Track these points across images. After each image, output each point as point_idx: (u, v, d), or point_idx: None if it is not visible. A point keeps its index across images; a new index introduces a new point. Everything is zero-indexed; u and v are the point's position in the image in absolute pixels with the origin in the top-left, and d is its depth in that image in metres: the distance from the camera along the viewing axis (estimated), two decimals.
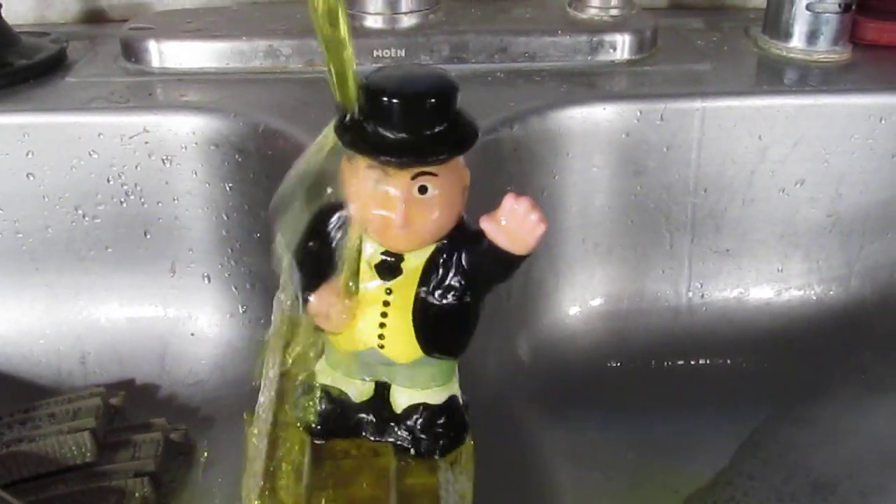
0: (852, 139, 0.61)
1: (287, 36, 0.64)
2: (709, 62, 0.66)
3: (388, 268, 0.32)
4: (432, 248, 0.32)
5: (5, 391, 0.59)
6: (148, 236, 0.60)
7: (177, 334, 0.62)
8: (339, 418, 0.35)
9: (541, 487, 0.53)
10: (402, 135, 0.30)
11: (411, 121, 0.30)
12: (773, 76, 0.65)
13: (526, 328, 0.62)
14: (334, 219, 0.32)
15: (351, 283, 0.33)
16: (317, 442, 0.35)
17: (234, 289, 0.61)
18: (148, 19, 0.69)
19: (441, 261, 0.32)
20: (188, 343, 0.62)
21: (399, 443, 0.35)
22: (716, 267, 0.64)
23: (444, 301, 0.32)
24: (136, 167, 0.58)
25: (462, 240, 0.32)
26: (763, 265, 0.65)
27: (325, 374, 0.35)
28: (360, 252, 0.32)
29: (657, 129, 0.60)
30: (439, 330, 0.33)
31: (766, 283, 0.65)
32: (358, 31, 0.65)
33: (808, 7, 0.65)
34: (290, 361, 0.38)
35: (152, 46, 0.64)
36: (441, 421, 0.34)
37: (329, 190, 0.33)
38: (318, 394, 0.35)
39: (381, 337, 0.33)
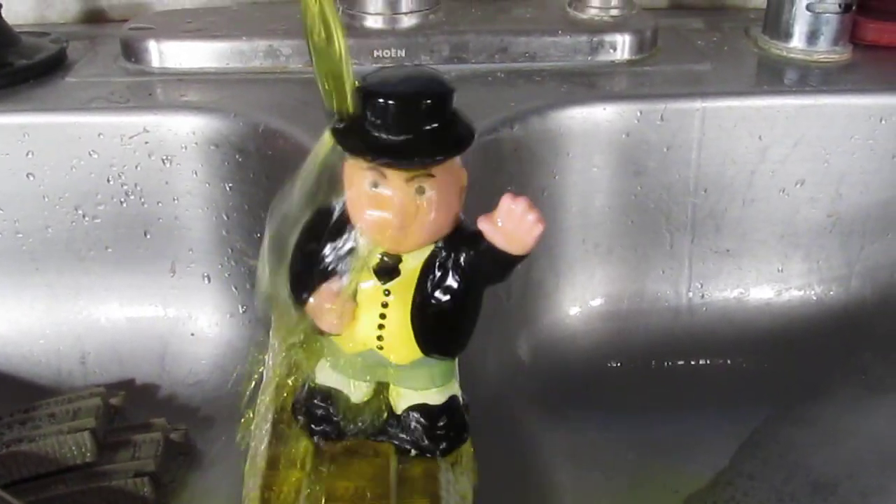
0: (852, 139, 0.61)
1: (287, 36, 0.64)
2: (709, 62, 0.66)
3: (387, 269, 0.32)
4: (430, 248, 0.32)
5: (5, 391, 0.59)
6: (148, 236, 0.60)
7: (177, 334, 0.62)
8: (339, 419, 0.35)
9: (541, 487, 0.53)
10: (399, 136, 0.30)
11: (407, 122, 0.30)
12: (773, 76, 0.65)
13: (526, 328, 0.62)
14: (332, 220, 0.32)
15: (349, 285, 0.32)
16: (317, 442, 0.35)
17: (234, 289, 0.61)
18: (148, 19, 0.69)
19: (439, 262, 0.32)
20: (188, 343, 0.62)
21: (399, 443, 0.35)
22: (716, 267, 0.64)
23: (443, 302, 0.32)
24: (136, 167, 0.58)
25: (460, 240, 0.32)
26: (763, 265, 0.65)
27: (326, 375, 0.35)
28: (358, 253, 0.32)
29: (657, 129, 0.60)
30: (438, 330, 0.33)
31: (766, 283, 0.65)
32: (358, 31, 0.65)
33: (808, 7, 0.65)
34: (291, 362, 0.38)
35: (152, 46, 0.64)
36: (441, 422, 0.34)
37: (328, 191, 0.33)
38: (319, 394, 0.35)
39: (379, 338, 0.33)
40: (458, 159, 0.31)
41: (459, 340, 0.33)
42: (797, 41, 0.66)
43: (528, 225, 0.30)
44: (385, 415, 0.35)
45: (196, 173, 0.59)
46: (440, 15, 0.67)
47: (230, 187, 0.59)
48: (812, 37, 0.66)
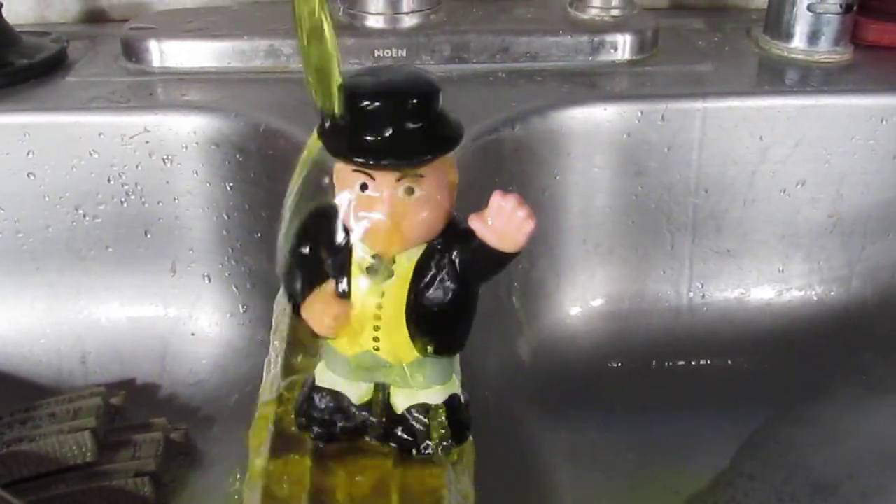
0: (853, 140, 0.61)
1: (288, 35, 0.64)
2: (710, 63, 0.66)
3: (380, 270, 0.32)
4: (423, 248, 0.32)
5: (6, 391, 0.59)
6: (148, 236, 0.60)
7: (177, 334, 0.62)
8: (339, 420, 0.35)
9: (541, 487, 0.53)
10: (385, 137, 0.29)
11: (393, 122, 0.29)
12: (774, 77, 0.65)
13: (527, 328, 0.62)
14: (325, 222, 0.32)
15: (343, 287, 0.32)
16: (318, 444, 0.35)
17: (234, 288, 0.61)
18: (148, 19, 0.69)
19: (432, 261, 0.32)
20: (189, 343, 0.62)
21: (400, 443, 0.35)
22: (717, 267, 0.64)
23: (437, 300, 0.32)
24: (137, 167, 0.58)
25: (453, 239, 0.32)
26: (764, 266, 0.65)
27: (325, 377, 0.35)
28: (351, 255, 0.32)
29: (658, 129, 0.60)
30: (434, 330, 0.33)
31: (767, 283, 0.65)
32: (359, 31, 0.65)
33: (809, 8, 0.65)
34: (292, 362, 0.38)
35: (153, 46, 0.64)
36: (442, 420, 0.34)
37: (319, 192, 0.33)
38: (319, 396, 0.35)
39: (375, 339, 0.33)
40: (448, 157, 0.31)
41: (456, 339, 0.33)
42: (798, 41, 0.66)
43: (518, 222, 0.30)
44: (385, 415, 0.35)
45: (197, 173, 0.59)
46: (441, 15, 0.67)
47: (231, 187, 0.59)
48: (813, 37, 0.66)
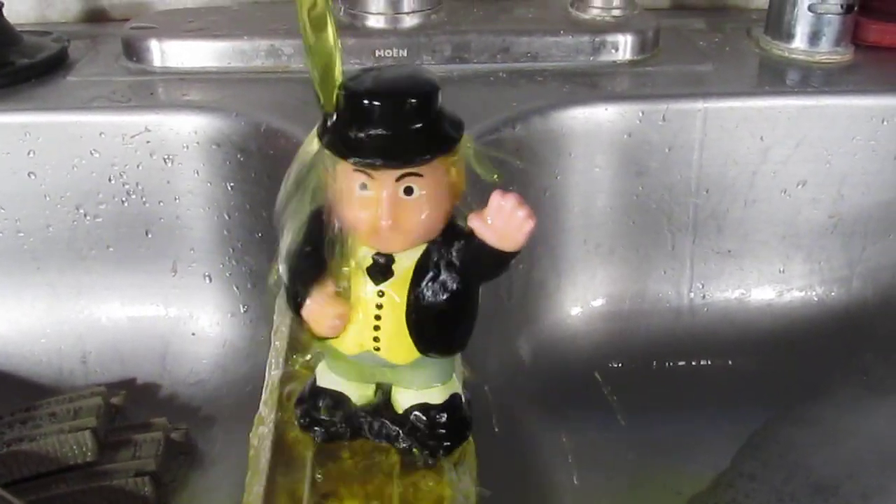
0: (854, 140, 0.61)
1: (289, 35, 0.64)
2: (711, 63, 0.66)
3: (380, 270, 0.32)
4: (423, 248, 0.32)
5: (6, 390, 0.59)
6: (149, 236, 0.60)
7: (178, 334, 0.62)
8: (341, 421, 0.35)
9: (541, 487, 0.53)
10: (384, 137, 0.29)
11: (392, 122, 0.29)
12: (775, 77, 0.65)
13: (527, 328, 0.62)
14: (325, 223, 0.32)
15: (343, 287, 0.32)
16: (319, 444, 0.35)
17: (235, 288, 0.61)
18: (149, 18, 0.69)
19: (432, 260, 0.32)
20: (189, 342, 0.62)
21: (402, 443, 0.35)
22: (717, 268, 0.64)
23: (437, 300, 0.32)
24: (138, 166, 0.58)
25: (452, 239, 0.32)
26: (765, 266, 0.65)
27: (326, 377, 0.35)
28: (350, 255, 0.32)
29: (659, 129, 0.60)
30: (434, 329, 0.33)
31: (767, 283, 0.65)
32: (360, 31, 0.65)
33: (810, 8, 0.65)
34: (293, 363, 0.38)
35: (154, 46, 0.64)
36: (443, 420, 0.34)
37: (318, 193, 0.32)
38: (320, 396, 0.35)
39: (376, 339, 0.33)
40: (451, 158, 0.31)
41: (456, 338, 0.33)
42: (799, 42, 0.66)
43: (518, 221, 0.30)
44: (387, 415, 0.35)
45: (197, 173, 0.59)
46: (442, 15, 0.67)
47: (232, 187, 0.59)
48: (814, 38, 0.66)
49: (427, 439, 0.34)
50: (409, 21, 0.65)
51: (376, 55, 0.63)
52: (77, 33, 0.71)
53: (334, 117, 0.30)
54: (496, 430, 0.47)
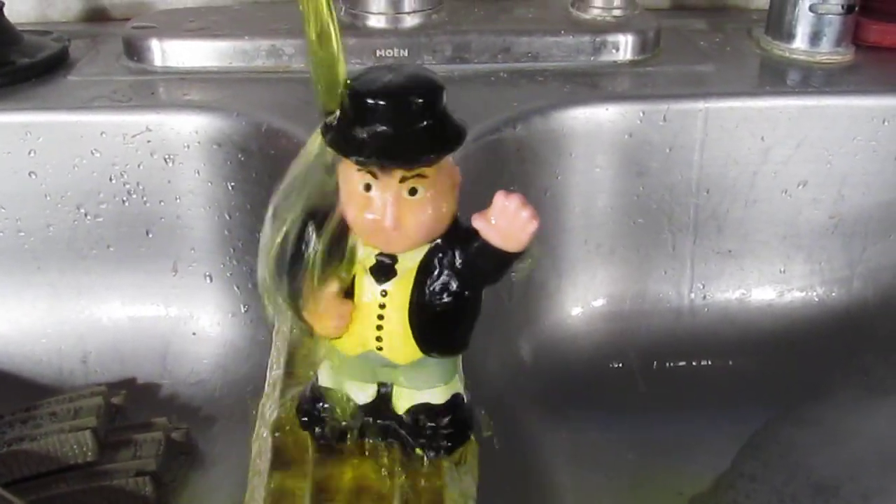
0: (855, 141, 0.61)
1: (289, 35, 0.64)
2: (711, 63, 0.66)
3: (383, 270, 0.32)
4: (426, 248, 0.32)
5: (7, 390, 0.59)
6: (150, 235, 0.60)
7: (178, 333, 0.62)
8: (342, 420, 0.35)
9: (542, 488, 0.53)
10: (389, 136, 0.29)
11: (397, 122, 0.29)
12: (775, 77, 0.65)
13: (528, 329, 0.62)
14: (327, 222, 0.32)
15: (346, 288, 0.32)
16: (320, 444, 0.35)
17: (235, 288, 0.61)
18: (150, 18, 0.69)
19: (435, 261, 0.32)
20: (190, 342, 0.62)
21: (403, 443, 0.35)
22: (718, 268, 0.64)
23: (440, 301, 0.32)
24: (139, 166, 0.58)
25: (456, 239, 0.32)
26: (765, 266, 0.65)
27: (328, 377, 0.35)
28: (354, 255, 0.32)
29: (660, 129, 0.60)
30: (437, 329, 0.33)
31: (768, 284, 0.65)
32: (361, 31, 0.65)
33: (811, 8, 0.65)
34: (295, 362, 0.38)
35: (155, 45, 0.64)
36: (444, 420, 0.34)
37: (319, 192, 0.32)
38: (322, 396, 0.35)
39: (378, 339, 0.33)
40: (450, 157, 0.31)
41: (459, 339, 0.33)
42: (800, 42, 0.66)
43: (521, 222, 0.30)
44: (388, 415, 0.35)
45: (198, 172, 0.59)
46: (443, 15, 0.67)
47: (232, 186, 0.59)
48: (815, 38, 0.66)
49: (428, 439, 0.34)
50: (410, 21, 0.65)
51: (377, 55, 0.63)
52: (78, 33, 0.71)
53: (339, 116, 0.30)
54: (497, 430, 0.47)
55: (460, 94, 0.60)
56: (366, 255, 0.32)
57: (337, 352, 0.34)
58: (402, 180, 0.30)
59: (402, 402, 0.35)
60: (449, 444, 0.34)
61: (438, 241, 0.32)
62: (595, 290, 0.64)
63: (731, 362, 0.63)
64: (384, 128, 0.29)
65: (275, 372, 0.39)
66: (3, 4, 0.63)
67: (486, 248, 0.31)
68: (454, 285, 0.32)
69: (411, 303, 0.32)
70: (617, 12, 0.67)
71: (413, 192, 0.30)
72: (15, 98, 0.60)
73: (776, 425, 0.55)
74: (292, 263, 0.33)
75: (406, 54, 0.63)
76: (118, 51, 0.66)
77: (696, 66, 0.65)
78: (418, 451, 0.35)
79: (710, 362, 0.63)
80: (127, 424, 0.55)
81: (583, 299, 0.64)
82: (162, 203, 0.60)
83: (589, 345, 0.63)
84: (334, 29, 0.30)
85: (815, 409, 0.56)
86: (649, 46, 0.66)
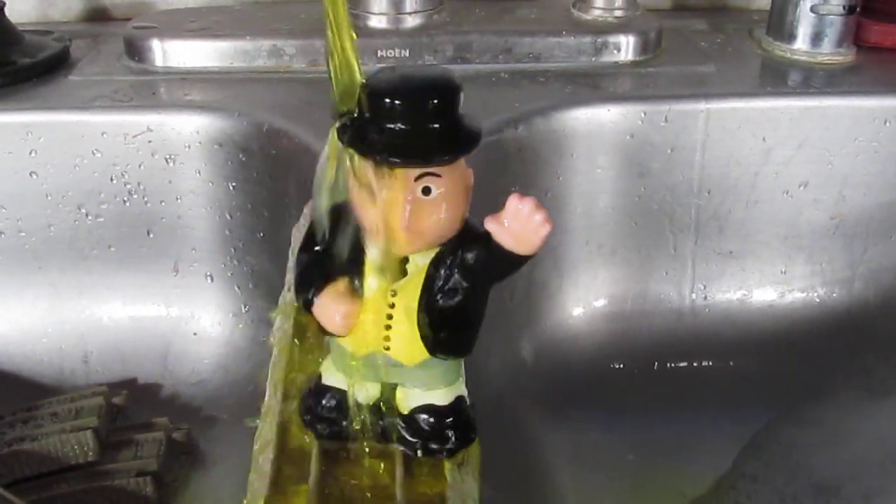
0: (856, 141, 0.61)
1: (291, 35, 0.64)
2: (713, 64, 0.66)
3: (393, 270, 0.32)
4: (437, 249, 0.32)
5: (8, 390, 0.59)
6: (151, 235, 0.60)
7: (179, 334, 0.62)
8: (345, 420, 0.35)
9: (543, 488, 0.53)
10: (405, 135, 0.29)
11: (414, 121, 0.29)
12: (777, 78, 0.65)
13: (529, 329, 0.62)
14: (339, 220, 0.32)
15: (356, 286, 0.32)
16: (323, 443, 0.35)
17: (236, 288, 0.61)
18: (151, 18, 0.69)
19: (446, 262, 0.32)
20: (191, 342, 0.62)
21: (406, 444, 0.35)
22: (719, 269, 0.64)
23: (450, 302, 0.32)
24: (140, 166, 0.58)
25: (467, 241, 0.32)
26: (766, 267, 0.65)
27: (332, 376, 0.35)
28: (364, 254, 0.32)
29: (661, 130, 0.60)
30: (445, 331, 0.33)
31: (769, 284, 0.65)
32: (362, 31, 0.65)
33: (812, 9, 0.65)
34: (297, 362, 0.38)
35: (156, 45, 0.64)
36: (448, 422, 0.34)
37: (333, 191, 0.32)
38: (325, 395, 0.35)
39: (386, 339, 0.33)
40: (463, 159, 0.31)
41: (467, 340, 0.33)
42: (801, 43, 0.66)
43: (535, 225, 0.30)
44: (392, 415, 0.35)
45: (199, 172, 0.59)
46: (444, 15, 0.67)
47: (233, 187, 0.59)
48: (816, 38, 0.66)
49: (432, 440, 0.34)
50: (411, 21, 0.65)
51: (378, 55, 0.63)
52: (79, 33, 0.71)
53: (355, 115, 0.30)
54: (499, 430, 0.47)
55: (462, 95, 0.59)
56: (376, 255, 0.32)
57: (342, 351, 0.34)
58: (417, 179, 0.30)
59: (407, 402, 0.35)
60: (452, 445, 0.34)
61: (449, 242, 0.32)
62: (596, 291, 0.64)
63: (732, 363, 0.63)
64: (401, 127, 0.29)
65: (276, 372, 0.39)
66: (4, 4, 0.63)
67: (498, 250, 0.30)
68: (464, 287, 0.32)
69: (420, 303, 0.32)
70: (618, 13, 0.67)
71: (427, 191, 0.30)
72: (16, 98, 0.60)
73: (777, 426, 0.55)
74: (304, 261, 0.33)
75: (407, 55, 0.63)
76: (119, 51, 0.66)
77: (697, 66, 0.65)
78: (421, 451, 0.35)
79: (711, 363, 0.63)
80: (128, 424, 0.55)
81: (584, 300, 0.64)
82: (163, 203, 0.60)
83: (590, 345, 0.63)
84: (347, 25, 0.30)
85: (816, 409, 0.56)
86: (651, 47, 0.66)
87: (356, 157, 0.30)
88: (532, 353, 0.61)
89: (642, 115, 0.59)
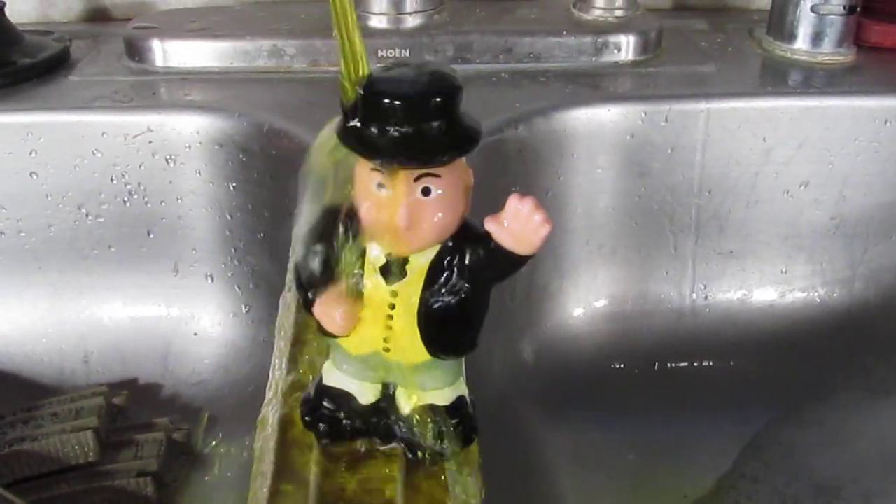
0: (856, 141, 0.61)
1: (291, 36, 0.64)
2: (713, 63, 0.66)
3: (393, 270, 0.32)
4: (437, 249, 0.32)
5: (8, 390, 0.59)
6: (151, 236, 0.60)
7: (180, 334, 0.62)
8: (345, 420, 0.35)
9: (544, 488, 0.53)
10: (404, 136, 0.29)
11: (413, 121, 0.29)
12: (777, 78, 0.65)
13: (530, 329, 0.62)
14: (340, 220, 0.32)
15: (356, 286, 0.32)
16: (324, 444, 0.35)
17: (237, 288, 0.61)
18: (151, 18, 0.69)
19: (446, 262, 0.32)
20: (191, 343, 0.62)
21: (407, 445, 0.35)
22: (719, 269, 0.64)
23: (450, 302, 0.32)
24: (140, 166, 0.58)
25: (467, 241, 0.32)
26: (767, 267, 0.65)
27: (332, 376, 0.35)
28: (364, 254, 0.32)
29: (662, 130, 0.60)
30: (445, 331, 0.33)
31: (769, 284, 0.65)
32: (362, 31, 0.65)
33: (812, 9, 0.65)
34: (297, 362, 0.38)
35: (156, 45, 0.64)
36: (449, 422, 0.34)
37: (334, 190, 0.32)
38: (325, 395, 0.35)
39: (386, 339, 0.33)
40: (463, 158, 0.31)
41: (467, 340, 0.33)
42: (801, 43, 0.66)
43: (534, 225, 0.30)
44: (392, 416, 0.35)
45: (200, 173, 0.59)
46: (444, 15, 0.67)
47: (234, 187, 0.59)
48: (816, 38, 0.66)
49: (432, 441, 0.34)
50: (412, 21, 0.65)
51: (378, 55, 0.63)
52: (79, 33, 0.71)
53: (354, 115, 0.30)
54: (499, 430, 0.47)
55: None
56: (376, 255, 0.32)
57: (343, 351, 0.34)
58: (416, 179, 0.30)
59: (407, 402, 0.35)
60: (453, 445, 0.34)
61: (449, 242, 0.32)
62: (597, 291, 0.64)
63: (732, 363, 0.63)
64: (400, 127, 0.29)
65: (277, 372, 0.39)
66: (4, 4, 0.63)
67: (498, 250, 0.31)
68: (464, 287, 0.32)
69: (420, 304, 0.32)
70: (619, 13, 0.67)
71: (426, 192, 0.30)
72: (16, 98, 0.60)
73: (778, 426, 0.55)
74: (304, 261, 0.33)
75: (408, 54, 0.63)
76: (119, 51, 0.66)
77: (697, 66, 0.65)
78: (421, 452, 0.35)
79: (711, 363, 0.63)
80: (128, 425, 0.55)
81: (584, 300, 0.64)
82: (163, 203, 0.60)
83: (590, 345, 0.63)
84: (353, 21, 0.30)
85: (816, 409, 0.56)
86: (651, 47, 0.66)
87: (356, 156, 0.30)
88: (532, 353, 0.61)
89: (643, 114, 0.59)
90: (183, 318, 0.62)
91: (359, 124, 0.30)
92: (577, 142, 0.59)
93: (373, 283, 0.32)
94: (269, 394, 0.38)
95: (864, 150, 0.62)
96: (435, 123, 0.29)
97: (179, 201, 0.59)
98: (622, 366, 0.62)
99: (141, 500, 0.49)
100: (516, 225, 0.30)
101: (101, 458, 0.50)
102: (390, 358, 0.33)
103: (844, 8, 0.65)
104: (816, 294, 0.66)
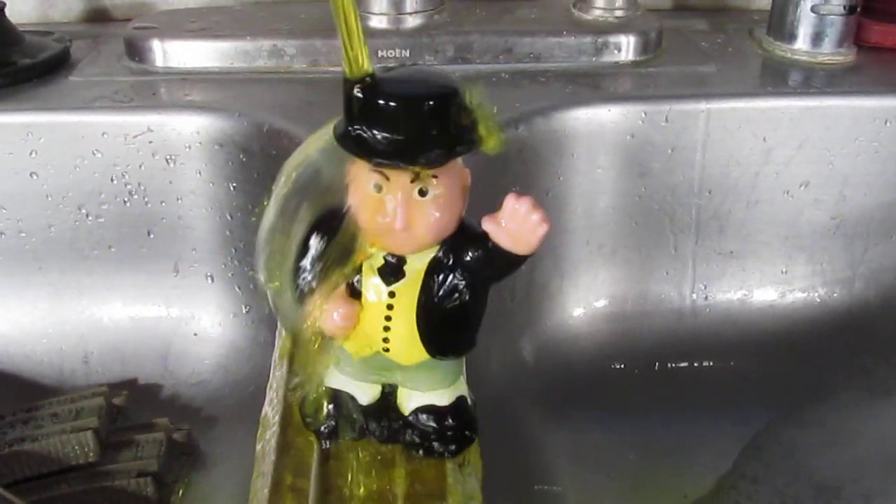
0: (857, 141, 0.61)
1: (291, 36, 0.64)
2: (713, 64, 0.66)
3: (391, 271, 0.32)
4: (435, 249, 0.32)
5: (8, 390, 0.59)
6: (151, 236, 0.60)
7: (180, 334, 0.62)
8: (346, 421, 0.35)
9: (544, 488, 0.53)
10: (401, 137, 0.29)
11: (410, 123, 0.29)
12: (777, 78, 0.65)
13: (530, 329, 0.62)
14: (337, 222, 0.32)
15: (354, 288, 0.32)
16: (325, 445, 0.35)
17: (237, 289, 0.61)
18: (152, 18, 0.69)
19: (444, 262, 0.32)
20: (191, 343, 0.62)
21: (408, 445, 0.35)
22: (720, 269, 0.64)
23: (448, 302, 0.32)
24: (140, 167, 0.58)
25: (464, 241, 0.32)
26: (767, 267, 0.65)
27: (333, 377, 0.35)
28: (363, 255, 0.32)
29: (662, 130, 0.60)
30: (444, 331, 0.33)
31: (769, 285, 0.65)
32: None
33: (812, 9, 0.65)
34: (299, 363, 0.38)
35: (156, 46, 0.64)
36: (449, 422, 0.34)
37: (330, 192, 0.32)
38: (326, 397, 0.35)
39: (385, 340, 0.33)
40: (459, 159, 0.31)
41: (466, 340, 0.33)
42: (801, 43, 0.66)
43: (532, 224, 0.30)
44: (393, 416, 0.35)
45: (200, 173, 0.59)
46: (444, 15, 0.67)
47: (234, 187, 0.59)
48: (816, 38, 0.66)
49: (433, 441, 0.34)
50: (412, 21, 0.65)
51: (379, 55, 0.63)
52: (79, 33, 0.71)
53: (351, 117, 0.30)
54: (499, 430, 0.47)
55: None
56: (374, 256, 0.32)
57: (343, 352, 0.34)
58: (414, 180, 0.30)
59: (408, 403, 0.35)
60: (454, 445, 0.34)
61: (447, 242, 0.32)
62: (597, 291, 0.64)
63: (732, 363, 0.63)
64: (397, 128, 0.29)
65: (278, 372, 0.39)
66: (4, 5, 0.63)
67: (496, 250, 0.31)
68: (462, 287, 0.32)
69: (419, 304, 0.32)
70: (619, 13, 0.67)
71: (423, 193, 0.30)
72: (16, 98, 0.60)
73: (778, 426, 0.55)
74: (303, 263, 0.33)
75: (408, 55, 0.63)
76: (119, 51, 0.66)
77: (697, 66, 0.65)
78: (422, 452, 0.35)
79: (711, 363, 0.63)
80: (128, 425, 0.54)
81: (584, 300, 0.64)
82: (163, 203, 0.60)
83: (591, 345, 0.63)
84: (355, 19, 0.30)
85: (816, 410, 0.56)
86: (651, 47, 0.66)
87: (352, 157, 0.30)
88: (532, 353, 0.61)
89: (643, 115, 0.59)
90: (183, 319, 0.62)
91: (357, 126, 0.30)
92: (577, 142, 0.59)
93: (371, 284, 0.32)
94: (269, 394, 0.38)
95: (865, 150, 0.62)
96: (432, 125, 0.29)
97: (179, 201, 0.59)
98: (622, 366, 0.62)
99: (141, 501, 0.49)
100: (514, 224, 0.30)
101: (101, 458, 0.50)
102: (390, 358, 0.33)
103: (844, 8, 0.65)
104: (816, 294, 0.66)
